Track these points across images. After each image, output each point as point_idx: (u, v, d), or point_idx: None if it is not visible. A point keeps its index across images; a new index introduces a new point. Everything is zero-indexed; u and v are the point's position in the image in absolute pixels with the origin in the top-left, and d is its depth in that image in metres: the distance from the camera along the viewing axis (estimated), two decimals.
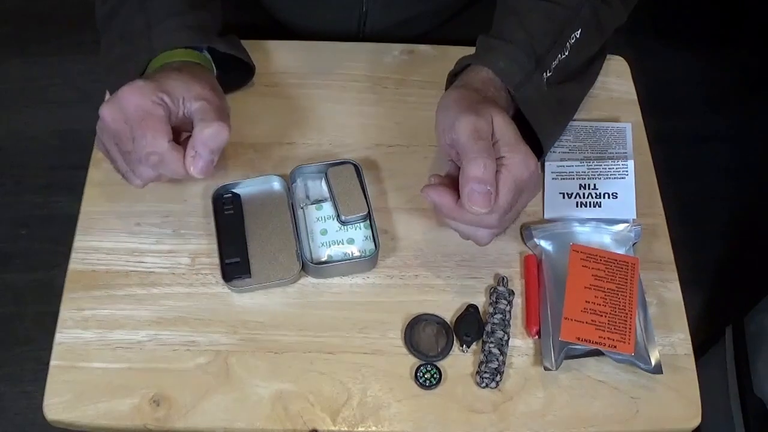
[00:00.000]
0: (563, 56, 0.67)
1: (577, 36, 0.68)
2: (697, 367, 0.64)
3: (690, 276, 0.73)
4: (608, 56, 0.80)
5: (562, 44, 0.67)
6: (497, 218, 0.59)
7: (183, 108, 0.61)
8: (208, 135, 0.59)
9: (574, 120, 0.75)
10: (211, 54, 0.70)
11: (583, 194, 0.70)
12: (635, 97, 0.79)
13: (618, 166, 0.72)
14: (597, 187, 0.71)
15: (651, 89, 0.89)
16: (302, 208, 0.68)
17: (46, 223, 1.57)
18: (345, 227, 0.67)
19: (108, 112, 0.60)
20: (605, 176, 0.71)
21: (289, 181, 0.69)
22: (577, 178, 0.71)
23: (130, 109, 0.59)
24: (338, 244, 0.66)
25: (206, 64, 0.68)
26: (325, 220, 0.67)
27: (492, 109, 0.61)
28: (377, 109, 0.76)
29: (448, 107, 0.62)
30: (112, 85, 0.66)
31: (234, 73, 0.75)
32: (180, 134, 0.63)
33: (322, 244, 0.66)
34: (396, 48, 0.81)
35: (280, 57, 0.79)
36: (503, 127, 0.60)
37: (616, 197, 0.70)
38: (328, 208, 0.68)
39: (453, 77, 0.70)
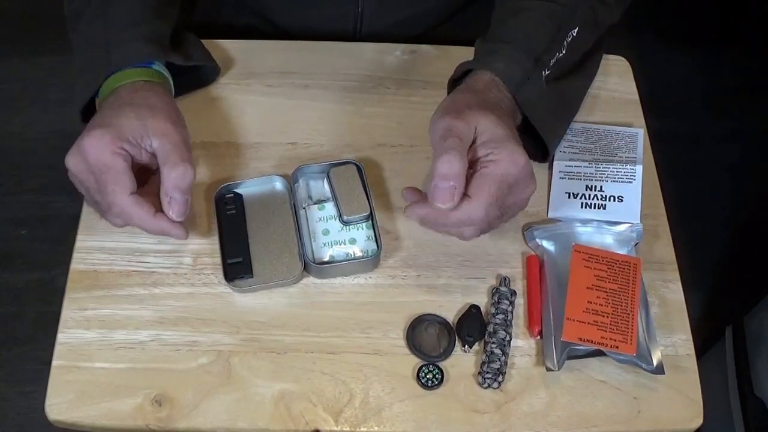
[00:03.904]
0: (561, 54, 0.67)
1: (574, 34, 0.68)
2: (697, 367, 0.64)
3: (690, 276, 0.72)
4: (609, 57, 0.80)
5: (560, 42, 0.67)
6: (483, 213, 0.59)
7: (145, 147, 0.61)
8: (176, 178, 0.60)
9: (586, 122, 0.75)
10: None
11: (589, 195, 0.70)
12: (637, 98, 0.79)
13: (626, 170, 0.72)
14: (603, 189, 0.71)
15: (651, 89, 0.89)
16: (304, 208, 0.68)
17: (46, 223, 1.57)
18: (347, 227, 0.67)
19: (72, 162, 0.60)
20: (612, 179, 0.71)
21: (291, 181, 0.69)
22: (584, 179, 0.71)
23: (91, 161, 0.59)
24: (340, 245, 0.66)
25: (160, 78, 0.67)
26: (327, 220, 0.67)
27: (482, 112, 0.60)
28: (379, 110, 0.76)
29: (438, 111, 0.62)
30: (77, 95, 0.66)
31: (204, 69, 0.75)
32: (150, 172, 0.63)
33: (324, 245, 0.66)
34: (398, 48, 0.81)
35: (281, 57, 0.79)
36: (490, 127, 0.60)
37: (622, 200, 0.70)
38: (330, 208, 0.68)
39: (454, 83, 0.69)
